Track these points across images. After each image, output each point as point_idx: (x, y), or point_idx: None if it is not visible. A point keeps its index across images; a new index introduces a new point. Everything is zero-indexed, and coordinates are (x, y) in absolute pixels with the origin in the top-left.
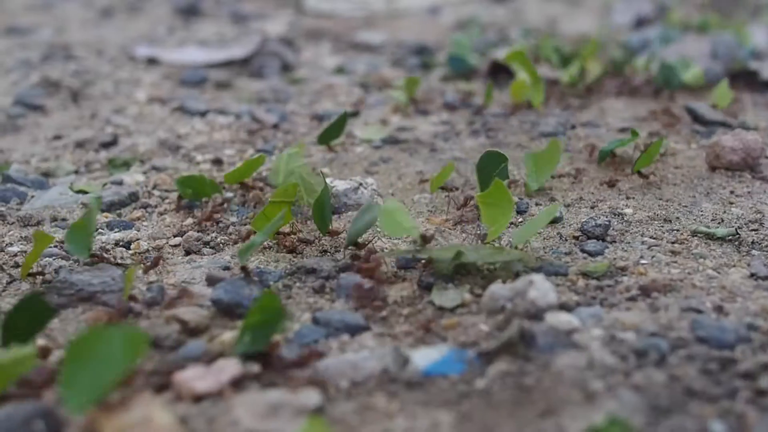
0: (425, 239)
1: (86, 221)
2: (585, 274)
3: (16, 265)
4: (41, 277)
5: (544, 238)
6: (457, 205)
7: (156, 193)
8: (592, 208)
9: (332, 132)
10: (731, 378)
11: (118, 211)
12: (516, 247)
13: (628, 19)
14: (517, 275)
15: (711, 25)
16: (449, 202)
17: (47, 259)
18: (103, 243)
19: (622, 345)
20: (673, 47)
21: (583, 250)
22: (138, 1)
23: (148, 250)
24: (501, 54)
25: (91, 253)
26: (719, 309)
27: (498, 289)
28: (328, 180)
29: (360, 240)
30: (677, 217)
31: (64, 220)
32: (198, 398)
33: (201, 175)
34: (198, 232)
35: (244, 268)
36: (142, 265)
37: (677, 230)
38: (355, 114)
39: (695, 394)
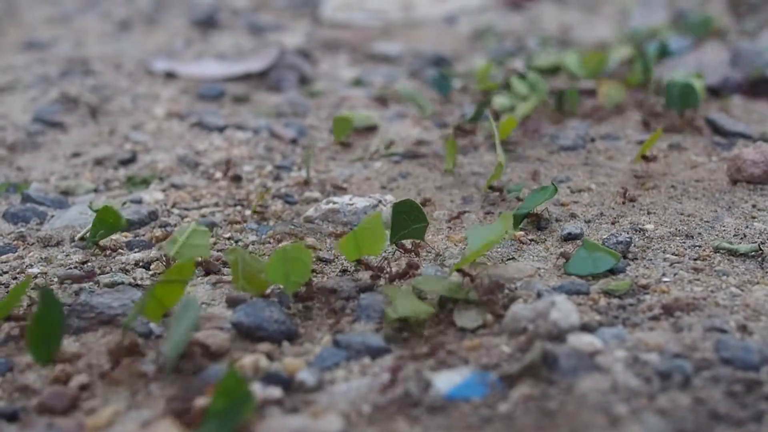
0: None
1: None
2: (607, 293)
3: (37, 287)
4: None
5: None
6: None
7: (175, 211)
8: (612, 224)
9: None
10: (757, 401)
11: (137, 231)
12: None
13: (645, 25)
14: (539, 295)
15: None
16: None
17: (67, 281)
18: (123, 264)
19: (646, 367)
20: (691, 55)
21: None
22: (155, 13)
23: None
24: (519, 64)
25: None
26: (743, 328)
27: (520, 309)
28: (346, 197)
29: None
30: (699, 233)
31: (83, 239)
32: None
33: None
34: (218, 251)
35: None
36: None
37: (699, 246)
38: (373, 128)
39: (721, 418)
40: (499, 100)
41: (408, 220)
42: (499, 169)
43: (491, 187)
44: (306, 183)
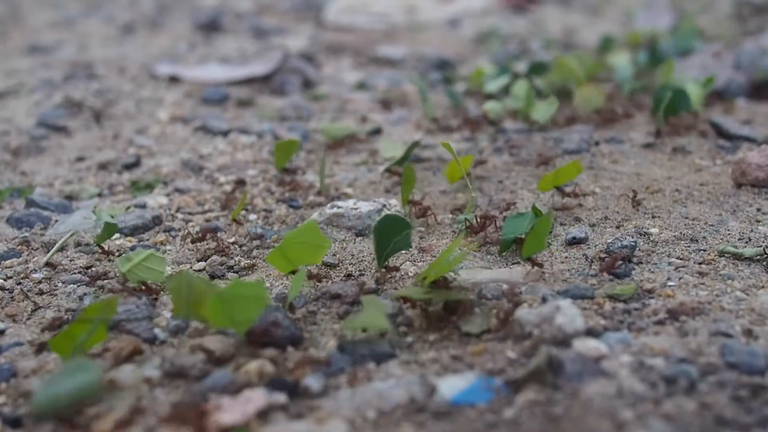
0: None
1: None
2: (612, 297)
3: (41, 292)
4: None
5: (570, 260)
6: (479, 227)
7: (179, 216)
8: (617, 228)
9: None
10: (763, 405)
11: (141, 235)
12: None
13: (649, 29)
14: (543, 300)
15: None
16: (467, 224)
17: (71, 286)
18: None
19: (652, 372)
20: (696, 58)
21: (609, 272)
22: (159, 16)
23: (171, 276)
24: (521, 67)
25: None
26: (749, 333)
27: (525, 314)
28: (351, 201)
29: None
30: (704, 237)
31: (87, 245)
32: (224, 430)
33: None
34: (222, 256)
35: None
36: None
37: (704, 250)
38: (377, 131)
39: (726, 423)
40: (492, 106)
41: (389, 236)
42: (471, 203)
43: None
44: (320, 193)
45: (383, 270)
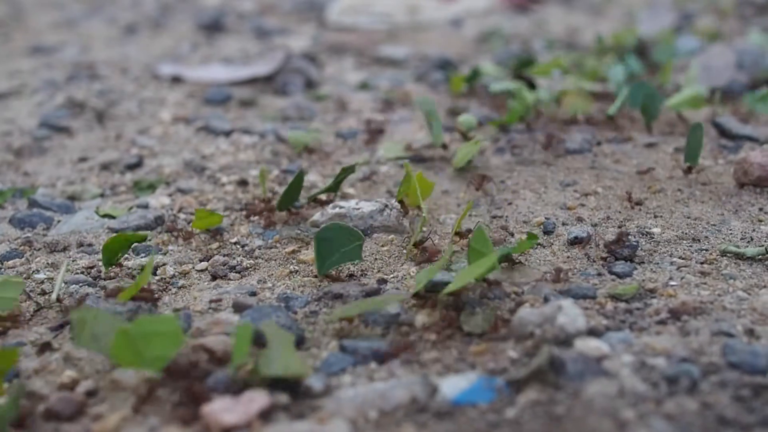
0: None
1: None
2: (614, 297)
3: (44, 293)
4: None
5: (572, 260)
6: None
7: (182, 216)
8: (619, 227)
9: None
10: (764, 405)
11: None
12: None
13: (652, 29)
14: (545, 299)
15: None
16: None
17: (74, 286)
18: (129, 269)
19: (653, 371)
20: (697, 58)
21: (611, 272)
22: (161, 17)
23: (174, 276)
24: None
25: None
26: (750, 332)
27: (527, 314)
28: (353, 201)
29: None
30: (706, 236)
31: (90, 245)
32: (226, 430)
33: None
34: (224, 256)
35: None
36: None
37: (706, 250)
38: (380, 132)
39: (728, 422)
40: (465, 119)
41: (336, 245)
42: (422, 222)
43: (458, 233)
44: (264, 201)
45: (325, 279)
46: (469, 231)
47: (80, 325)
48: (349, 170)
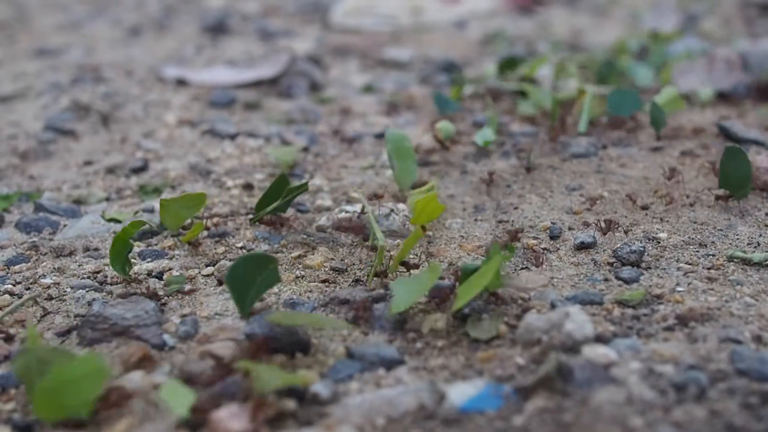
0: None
1: None
2: (621, 303)
3: (50, 298)
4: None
5: (578, 265)
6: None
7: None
8: (626, 232)
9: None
10: None
11: (149, 240)
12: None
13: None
14: (552, 305)
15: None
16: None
17: (80, 291)
18: (135, 273)
19: (661, 379)
20: (702, 61)
21: (618, 277)
22: (165, 19)
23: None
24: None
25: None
26: (758, 339)
27: (534, 320)
28: (359, 206)
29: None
30: (712, 242)
31: (96, 250)
32: None
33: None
34: (231, 261)
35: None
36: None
37: (713, 255)
38: (383, 135)
39: (736, 430)
40: (443, 126)
41: (251, 278)
42: (380, 254)
43: (404, 263)
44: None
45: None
46: (416, 266)
47: (26, 380)
48: (301, 188)
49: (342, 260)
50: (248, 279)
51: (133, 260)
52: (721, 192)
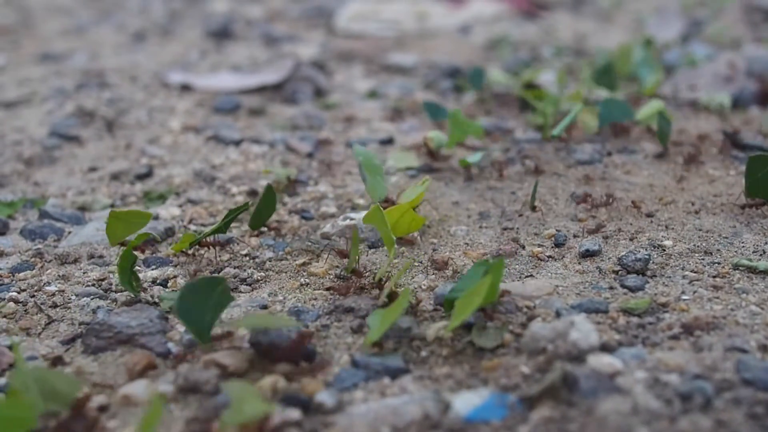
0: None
1: None
2: (626, 311)
3: (54, 305)
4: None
5: (583, 273)
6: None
7: (192, 227)
8: (631, 240)
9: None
10: None
11: (153, 247)
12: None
13: (661, 36)
14: (557, 314)
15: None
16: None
17: (85, 299)
18: (141, 281)
19: (667, 388)
20: (707, 66)
21: (623, 285)
22: (170, 24)
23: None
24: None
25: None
26: (764, 348)
27: (539, 329)
28: (363, 213)
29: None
30: (718, 249)
31: (101, 257)
32: None
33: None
34: (235, 268)
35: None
36: None
37: (718, 263)
38: (389, 141)
39: None
40: (434, 135)
41: (203, 303)
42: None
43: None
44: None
45: (211, 342)
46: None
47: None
48: (241, 209)
49: (347, 268)
50: (200, 306)
51: (137, 268)
52: (750, 200)
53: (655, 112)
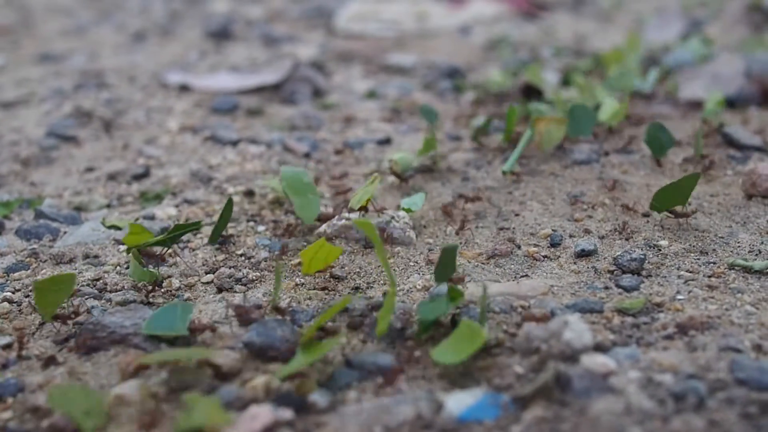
0: None
1: None
2: (620, 311)
3: None
4: (74, 318)
5: (578, 273)
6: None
7: None
8: (626, 240)
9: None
10: None
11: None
12: None
13: (661, 36)
14: (552, 314)
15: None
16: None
17: (79, 299)
18: (134, 281)
19: (660, 388)
20: (706, 67)
21: (618, 285)
22: (170, 24)
23: (180, 288)
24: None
25: None
26: (758, 348)
27: (532, 329)
28: (359, 213)
29: None
30: (713, 249)
31: (96, 257)
32: None
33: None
34: (230, 268)
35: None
36: None
37: (714, 263)
38: (387, 141)
39: None
40: (400, 158)
41: (160, 320)
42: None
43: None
44: (277, 310)
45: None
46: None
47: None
48: (192, 227)
49: (342, 267)
50: (161, 321)
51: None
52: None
53: (615, 112)
